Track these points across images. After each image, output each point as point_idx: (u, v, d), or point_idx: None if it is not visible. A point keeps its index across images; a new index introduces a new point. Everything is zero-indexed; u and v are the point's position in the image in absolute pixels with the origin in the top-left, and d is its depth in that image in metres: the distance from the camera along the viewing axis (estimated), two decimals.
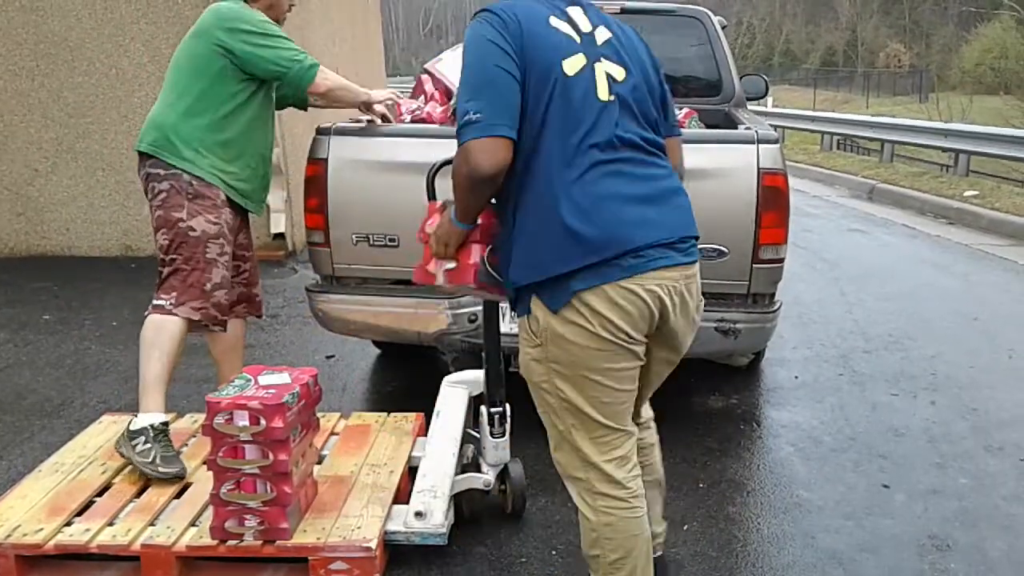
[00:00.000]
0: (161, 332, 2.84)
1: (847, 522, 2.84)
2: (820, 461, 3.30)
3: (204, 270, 2.88)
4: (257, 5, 2.98)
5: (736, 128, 3.47)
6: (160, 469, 2.69)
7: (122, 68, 6.42)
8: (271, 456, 2.29)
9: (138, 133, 2.98)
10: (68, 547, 2.37)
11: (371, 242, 3.20)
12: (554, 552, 2.65)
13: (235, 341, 3.22)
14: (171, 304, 2.85)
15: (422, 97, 3.55)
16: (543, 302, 1.89)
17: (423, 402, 3.10)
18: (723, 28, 4.93)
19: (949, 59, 35.50)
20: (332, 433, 3.08)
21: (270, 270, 6.17)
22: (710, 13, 4.85)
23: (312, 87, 2.95)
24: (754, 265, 3.04)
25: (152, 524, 2.47)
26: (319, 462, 2.81)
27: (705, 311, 2.11)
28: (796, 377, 4.21)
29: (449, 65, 3.52)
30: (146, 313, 2.89)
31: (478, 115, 1.81)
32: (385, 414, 3.22)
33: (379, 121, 3.26)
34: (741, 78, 4.85)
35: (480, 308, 2.70)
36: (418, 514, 2.48)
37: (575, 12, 1.97)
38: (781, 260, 3.08)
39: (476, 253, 2.05)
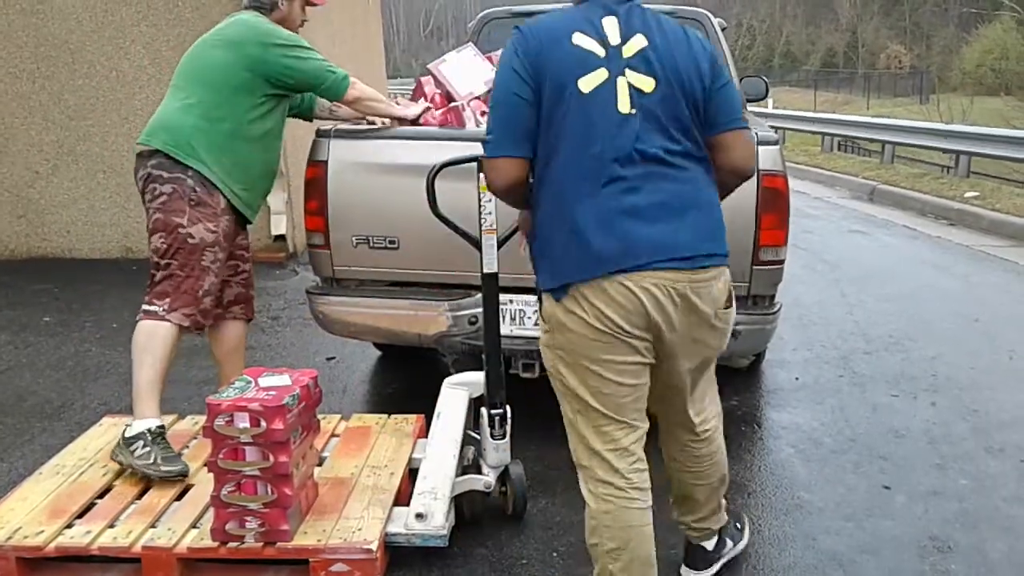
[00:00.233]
0: (153, 338, 2.84)
1: (847, 523, 2.84)
2: (820, 462, 3.30)
3: (198, 277, 2.89)
4: (271, 19, 3.00)
5: None
6: (163, 468, 2.69)
7: (123, 71, 6.43)
8: (272, 458, 2.29)
9: (138, 135, 2.97)
10: (69, 549, 2.37)
11: (371, 244, 3.20)
12: (555, 554, 2.65)
13: (237, 343, 3.24)
14: (163, 310, 2.85)
15: (421, 100, 3.55)
16: (549, 291, 2.03)
17: (424, 404, 3.10)
18: (723, 30, 4.93)
19: (950, 60, 35.52)
20: (333, 435, 3.08)
21: (271, 272, 6.18)
22: (710, 15, 4.85)
23: (344, 97, 3.06)
24: (754, 266, 3.04)
25: (153, 526, 2.47)
26: (320, 464, 2.81)
27: None
28: (796, 378, 4.21)
29: (452, 67, 3.51)
30: (137, 318, 2.89)
31: (490, 135, 2.02)
32: (386, 416, 3.22)
33: (378, 124, 3.28)
34: (741, 80, 4.86)
35: (480, 310, 2.71)
36: (419, 516, 2.48)
37: (609, 23, 1.99)
38: (781, 261, 3.08)
39: None
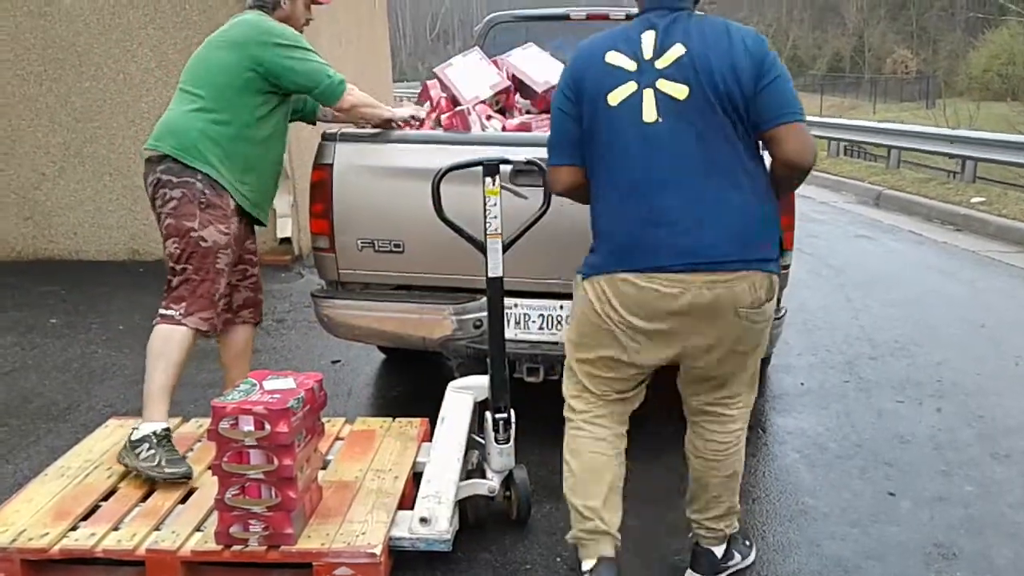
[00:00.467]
0: (169, 342, 2.85)
1: (853, 529, 2.84)
2: (826, 468, 3.29)
3: (213, 280, 2.89)
4: (274, 17, 3.00)
5: None
6: (167, 470, 2.69)
7: (129, 73, 6.45)
8: (276, 461, 2.30)
9: (145, 138, 2.98)
10: (73, 552, 2.37)
11: (376, 248, 3.20)
12: (559, 559, 2.64)
13: (245, 346, 3.24)
14: (180, 314, 2.86)
15: (427, 104, 3.55)
16: (579, 270, 2.29)
17: (428, 407, 3.10)
18: None
19: (956, 65, 35.40)
20: (337, 438, 3.08)
21: (277, 275, 6.19)
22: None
23: (339, 103, 3.03)
24: None
25: (157, 529, 2.47)
26: (324, 467, 2.81)
27: None
28: (802, 384, 4.20)
29: (459, 71, 3.50)
30: (154, 322, 2.90)
31: (549, 146, 2.32)
32: (390, 419, 3.22)
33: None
34: None
35: (485, 314, 2.71)
36: (423, 520, 2.48)
37: (646, 37, 2.14)
38: (786, 266, 3.08)
39: None
